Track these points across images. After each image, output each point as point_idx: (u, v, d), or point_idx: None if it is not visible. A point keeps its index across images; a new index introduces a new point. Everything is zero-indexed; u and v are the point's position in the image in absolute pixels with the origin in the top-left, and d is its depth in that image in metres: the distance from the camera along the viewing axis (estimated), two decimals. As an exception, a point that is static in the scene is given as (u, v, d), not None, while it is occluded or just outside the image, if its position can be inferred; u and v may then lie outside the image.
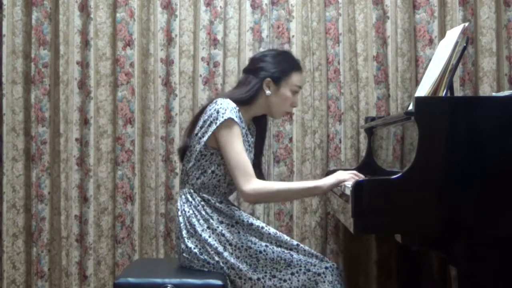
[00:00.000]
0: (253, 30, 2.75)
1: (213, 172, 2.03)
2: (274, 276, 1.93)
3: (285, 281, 1.93)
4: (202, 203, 2.03)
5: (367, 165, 2.53)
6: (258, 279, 1.94)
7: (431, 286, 2.68)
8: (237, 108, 2.01)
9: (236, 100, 2.04)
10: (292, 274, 1.93)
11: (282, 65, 2.11)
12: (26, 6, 2.82)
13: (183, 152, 2.12)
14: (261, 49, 2.63)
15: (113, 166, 2.79)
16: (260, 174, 2.20)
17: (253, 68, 2.13)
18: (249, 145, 2.10)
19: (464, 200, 1.67)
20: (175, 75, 2.77)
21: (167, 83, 2.79)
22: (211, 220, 2.00)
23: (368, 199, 1.67)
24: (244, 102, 2.07)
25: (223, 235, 1.98)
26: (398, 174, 1.68)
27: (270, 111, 2.15)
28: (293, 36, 2.76)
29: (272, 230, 2.01)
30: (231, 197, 2.21)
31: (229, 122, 1.96)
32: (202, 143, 2.01)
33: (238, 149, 1.95)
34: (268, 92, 2.09)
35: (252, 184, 1.93)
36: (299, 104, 2.75)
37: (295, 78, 2.12)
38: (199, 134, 2.02)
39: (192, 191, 2.05)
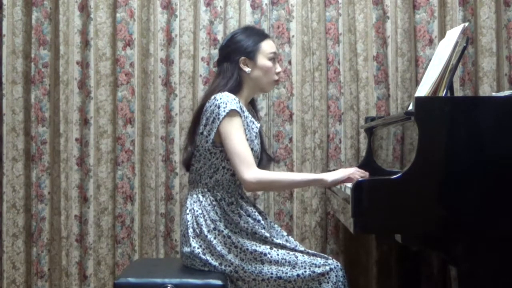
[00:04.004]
0: (253, 30, 2.74)
1: (224, 167, 2.03)
2: (279, 278, 1.93)
3: (290, 282, 1.93)
4: (214, 203, 2.02)
5: (367, 165, 2.53)
6: (263, 280, 1.94)
7: (431, 286, 2.68)
8: (237, 99, 2.00)
9: (229, 91, 2.03)
10: (298, 275, 1.92)
11: (249, 39, 2.12)
12: (26, 6, 2.82)
13: (188, 162, 2.11)
14: None
15: (113, 166, 2.79)
16: (269, 160, 2.23)
17: (224, 55, 2.13)
18: (256, 132, 2.09)
19: (464, 200, 1.67)
20: (175, 75, 2.77)
21: (167, 83, 2.79)
22: (218, 222, 2.00)
23: (368, 199, 1.67)
24: (234, 90, 2.06)
25: (229, 237, 1.98)
26: (398, 174, 1.68)
27: (260, 87, 2.15)
28: (293, 36, 2.76)
29: (276, 241, 2.00)
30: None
31: (231, 113, 1.95)
32: (210, 141, 2.00)
33: (239, 138, 1.95)
34: (247, 69, 2.09)
35: (253, 173, 1.92)
36: (299, 104, 2.76)
37: (266, 46, 2.12)
38: (205, 133, 2.02)
39: (206, 189, 2.04)
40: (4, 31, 2.79)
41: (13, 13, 2.81)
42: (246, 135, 2.00)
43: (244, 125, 1.99)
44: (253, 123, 2.08)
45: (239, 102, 2.00)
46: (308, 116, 2.76)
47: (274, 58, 2.14)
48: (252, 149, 2.00)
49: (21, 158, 2.81)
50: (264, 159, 2.18)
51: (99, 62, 2.81)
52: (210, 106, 2.00)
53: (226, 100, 1.97)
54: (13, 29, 2.81)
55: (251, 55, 2.10)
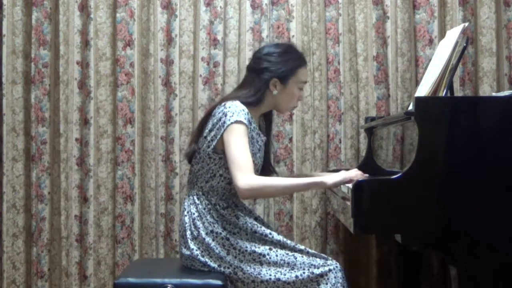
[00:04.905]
0: (253, 30, 2.75)
1: (221, 175, 2.02)
2: (278, 279, 1.93)
3: (288, 283, 1.92)
4: (209, 206, 2.02)
5: (367, 165, 2.53)
6: (262, 281, 1.93)
7: (431, 286, 2.68)
8: (246, 110, 1.98)
9: (244, 102, 2.02)
10: (296, 277, 1.92)
11: (288, 63, 2.08)
12: (26, 6, 2.82)
13: (191, 156, 2.10)
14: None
15: (113, 166, 2.79)
16: (270, 172, 2.22)
17: (258, 68, 2.08)
18: (260, 145, 2.08)
19: (464, 200, 1.67)
20: (175, 75, 2.77)
21: (167, 83, 2.79)
22: (215, 225, 1.99)
23: (368, 199, 1.67)
24: (252, 104, 2.05)
25: (228, 239, 1.98)
26: (398, 174, 1.68)
27: (278, 108, 2.15)
28: (293, 36, 2.76)
29: (276, 237, 1.99)
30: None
31: (236, 123, 1.93)
32: (212, 146, 2.00)
33: (240, 145, 1.92)
34: (275, 92, 2.07)
35: (247, 179, 1.88)
36: (299, 104, 2.75)
37: (301, 74, 2.11)
38: (208, 138, 2.01)
39: (200, 193, 2.04)
40: (4, 31, 2.79)
41: (13, 13, 2.81)
42: (249, 147, 1.99)
43: (249, 136, 1.98)
44: (260, 135, 2.08)
45: (247, 113, 1.98)
46: (308, 116, 2.76)
47: (303, 87, 2.14)
48: (253, 162, 1.99)
49: (21, 158, 2.81)
50: (266, 173, 2.17)
51: (99, 62, 2.81)
52: (219, 113, 1.99)
53: (234, 110, 1.96)
54: (13, 29, 2.81)
55: (284, 80, 2.07)
